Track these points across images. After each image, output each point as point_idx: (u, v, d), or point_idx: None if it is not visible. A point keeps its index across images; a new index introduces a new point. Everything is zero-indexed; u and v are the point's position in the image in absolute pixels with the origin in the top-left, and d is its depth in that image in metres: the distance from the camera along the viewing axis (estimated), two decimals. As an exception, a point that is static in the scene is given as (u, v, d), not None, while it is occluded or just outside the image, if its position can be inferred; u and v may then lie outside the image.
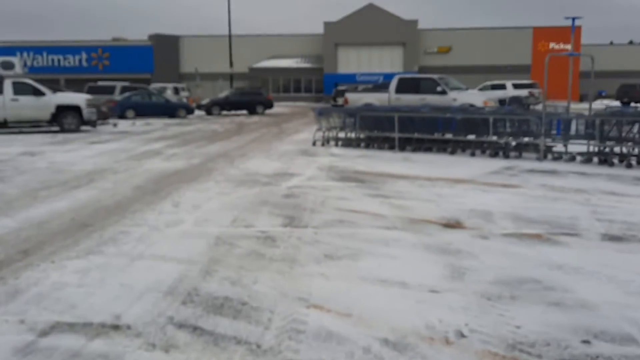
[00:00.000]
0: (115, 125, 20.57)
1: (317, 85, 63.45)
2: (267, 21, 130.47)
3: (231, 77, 44.99)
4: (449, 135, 11.72)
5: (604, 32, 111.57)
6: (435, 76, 17.33)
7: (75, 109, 17.53)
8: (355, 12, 61.59)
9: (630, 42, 68.64)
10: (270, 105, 33.12)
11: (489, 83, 32.12)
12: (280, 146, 13.40)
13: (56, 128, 17.67)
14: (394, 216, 5.99)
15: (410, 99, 17.12)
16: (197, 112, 32.08)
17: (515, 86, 32.65)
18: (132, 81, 54.05)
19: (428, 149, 11.69)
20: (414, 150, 11.69)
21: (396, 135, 11.62)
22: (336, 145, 13.00)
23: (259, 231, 5.46)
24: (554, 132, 10.39)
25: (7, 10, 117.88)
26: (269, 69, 63.65)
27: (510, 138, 10.68)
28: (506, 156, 10.46)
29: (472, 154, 10.89)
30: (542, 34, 62.41)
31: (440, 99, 16.63)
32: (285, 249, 4.88)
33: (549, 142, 10.24)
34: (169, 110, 27.83)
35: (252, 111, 32.32)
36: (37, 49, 61.46)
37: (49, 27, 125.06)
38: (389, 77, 59.48)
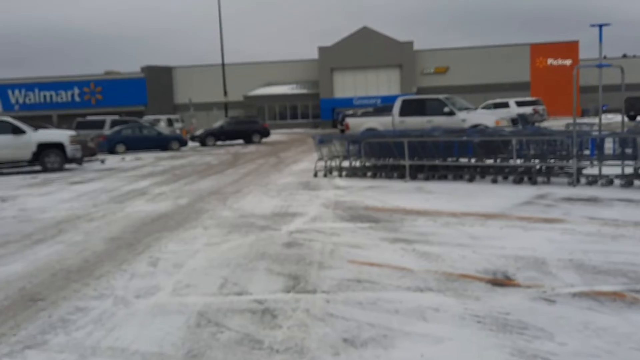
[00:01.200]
0: (102, 161, 19.43)
1: (314, 110, 62.68)
2: (261, 50, 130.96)
3: (226, 106, 44.13)
4: (463, 160, 10.58)
5: (596, 46, 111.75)
6: (441, 96, 16.29)
7: (58, 147, 16.41)
8: (349, 36, 61.18)
9: (624, 56, 68.29)
10: (266, 134, 32.11)
11: (491, 102, 31.21)
12: (279, 179, 12.22)
13: (39, 168, 16.53)
14: (424, 270, 4.78)
15: (416, 121, 16.05)
16: (191, 144, 31.03)
17: (519, 104, 31.70)
18: (127, 114, 53.36)
19: (442, 177, 10.53)
20: (427, 178, 10.52)
21: (406, 162, 10.47)
22: (340, 175, 11.83)
23: (254, 300, 4.24)
24: (585, 152, 9.24)
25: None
26: (264, 97, 62.94)
27: (537, 161, 9.51)
28: (533, 182, 9.28)
29: (494, 181, 9.72)
30: (540, 50, 62.06)
31: (448, 121, 15.56)
32: (289, 329, 3.65)
33: (583, 164, 9.08)
34: (161, 143, 26.77)
35: (248, 140, 31.28)
36: (29, 86, 60.80)
37: (40, 64, 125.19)
38: (386, 99, 59.05)
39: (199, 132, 31.56)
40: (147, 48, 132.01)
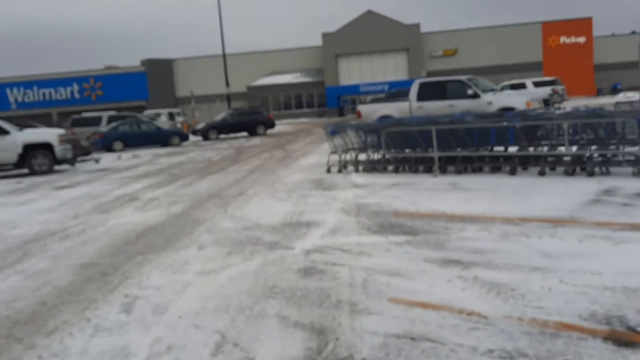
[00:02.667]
0: (97, 161, 18.08)
1: (320, 99, 61.09)
2: (264, 40, 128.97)
3: (228, 98, 42.67)
4: (498, 149, 9.13)
5: (604, 24, 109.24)
6: (463, 77, 14.77)
7: (46, 147, 15.06)
8: (354, 21, 59.35)
9: (633, 32, 65.95)
10: (271, 125, 30.66)
11: (507, 83, 29.54)
12: (288, 176, 10.82)
13: (26, 171, 15.21)
14: (503, 316, 3.37)
15: (436, 106, 14.58)
16: (193, 138, 29.70)
17: (536, 84, 30.01)
18: (128, 109, 52.06)
19: (477, 170, 9.08)
20: (459, 172, 9.07)
21: (435, 154, 9.02)
22: (357, 170, 10.41)
23: (263, 379, 2.86)
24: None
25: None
26: (267, 86, 61.40)
27: (593, 148, 8.04)
28: (590, 173, 7.81)
29: (541, 173, 8.26)
30: (552, 28, 59.93)
31: (472, 104, 14.07)
32: None
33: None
34: (160, 139, 25.42)
35: (252, 132, 29.87)
36: (27, 84, 59.54)
37: (38, 62, 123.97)
38: (394, 85, 57.33)
39: (200, 126, 30.17)
40: (147, 43, 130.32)
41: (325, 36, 59.83)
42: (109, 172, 14.76)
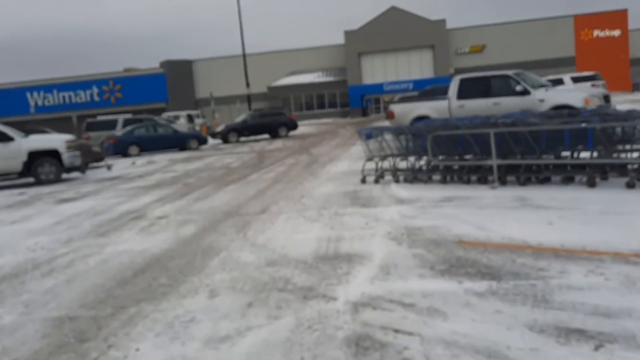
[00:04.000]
0: (109, 167, 17.00)
1: (342, 99, 59.64)
2: (285, 41, 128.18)
3: (249, 99, 41.53)
4: (571, 157, 7.63)
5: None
6: (510, 72, 13.20)
7: (53, 154, 13.96)
8: (377, 17, 57.75)
9: None
10: (294, 126, 29.40)
11: (543, 79, 27.64)
12: (317, 187, 9.45)
13: (32, 180, 14.13)
14: None
15: (479, 105, 13.05)
16: (212, 141, 28.58)
17: (575, 79, 28.11)
18: (147, 112, 51.29)
19: (544, 180, 7.58)
20: (523, 183, 7.58)
21: (494, 162, 7.54)
22: (396, 181, 8.98)
23: None
24: None
25: (16, 49, 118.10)
26: (289, 87, 60.16)
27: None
28: (696, 186, 6.27)
29: (630, 185, 6.73)
30: (585, 21, 57.47)
31: (521, 102, 12.50)
32: None
33: None
34: (178, 142, 24.33)
35: (274, 135, 28.63)
36: (47, 87, 59.33)
37: (59, 67, 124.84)
38: (419, 83, 55.66)
39: (220, 128, 29.02)
40: (167, 46, 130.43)
41: (348, 34, 58.35)
42: (119, 181, 13.59)
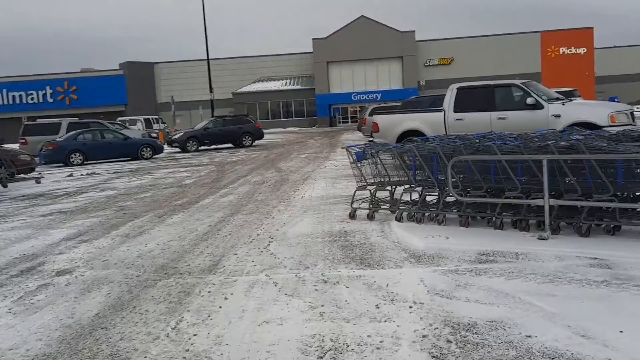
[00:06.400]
0: (38, 181, 14.22)
1: (310, 107, 57.48)
2: (255, 48, 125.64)
3: (212, 104, 38.78)
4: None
5: (604, 38, 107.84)
6: (518, 81, 11.17)
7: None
8: (346, 26, 55.98)
9: (614, 47, 63.52)
10: (260, 135, 27.00)
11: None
12: (290, 223, 7.06)
13: None
14: None
15: (481, 119, 11.01)
16: (169, 150, 25.88)
17: (555, 95, 26.48)
18: (105, 115, 47.91)
19: (614, 229, 5.39)
20: (584, 232, 5.37)
21: (546, 201, 5.31)
22: (398, 218, 6.67)
23: None
24: None
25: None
26: (255, 93, 57.59)
27: None
28: None
29: None
30: (551, 38, 57.24)
31: (533, 117, 10.51)
32: None
33: None
34: (129, 151, 21.55)
35: (238, 143, 26.16)
36: (-6, 86, 55.10)
37: (16, 66, 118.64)
38: (388, 94, 54.16)
39: (178, 135, 26.29)
40: (130, 49, 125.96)
41: (316, 42, 56.35)
42: (39, 201, 10.88)
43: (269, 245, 5.92)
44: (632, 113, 10.30)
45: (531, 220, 5.79)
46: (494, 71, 53.29)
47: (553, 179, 5.45)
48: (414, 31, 56.65)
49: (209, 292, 4.46)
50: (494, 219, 5.96)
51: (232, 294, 4.37)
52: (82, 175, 16.35)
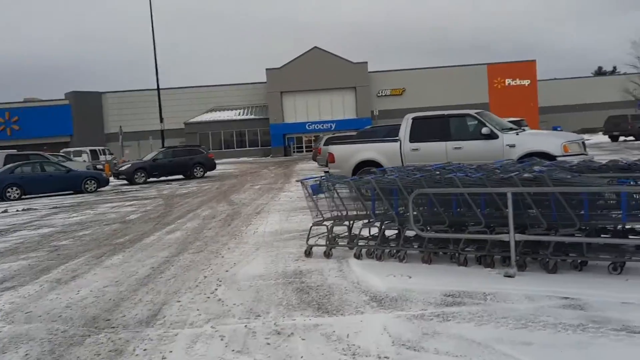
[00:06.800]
0: (-34, 218, 13.10)
1: (264, 137, 57.15)
2: (209, 79, 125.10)
3: (162, 135, 37.79)
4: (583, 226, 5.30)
5: (549, 67, 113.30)
6: (472, 111, 11.13)
7: None
8: (300, 57, 56.42)
9: (554, 79, 66.82)
10: (212, 166, 26.31)
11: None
12: (241, 263, 6.54)
13: None
14: None
15: (437, 149, 10.87)
16: (115, 182, 24.83)
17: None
18: (49, 146, 46.01)
19: (582, 264, 5.15)
20: (551, 268, 5.10)
21: (511, 236, 5.03)
22: (357, 255, 6.26)
23: None
24: None
25: None
26: (207, 123, 56.82)
27: None
28: None
29: None
30: (497, 70, 59.46)
31: (488, 147, 10.44)
32: None
33: None
34: (71, 184, 20.45)
35: (188, 175, 25.37)
36: None
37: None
38: (342, 124, 54.49)
39: (125, 167, 25.27)
40: (79, 79, 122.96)
41: (270, 72, 56.40)
42: (-35, 242, 9.91)
43: (216, 289, 5.39)
44: (583, 143, 10.38)
45: (496, 255, 5.51)
46: (444, 101, 54.70)
47: (517, 212, 5.20)
48: (366, 62, 57.62)
49: (144, 350, 3.89)
50: (457, 254, 5.64)
51: (171, 351, 3.82)
52: (17, 211, 15.27)
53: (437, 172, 6.03)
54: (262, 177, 23.34)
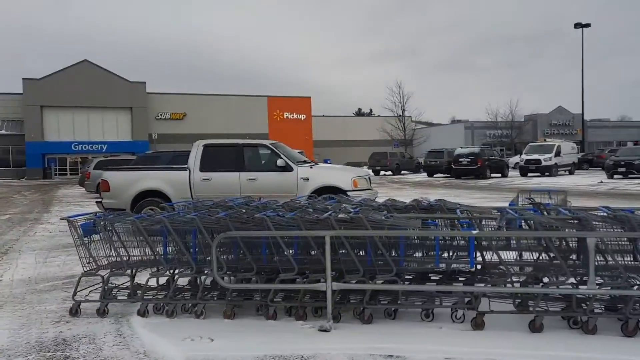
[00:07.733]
0: None
1: (18, 156, 49.62)
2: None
3: None
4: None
5: (321, 104, 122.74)
6: (267, 142, 10.67)
7: None
8: (66, 69, 50.84)
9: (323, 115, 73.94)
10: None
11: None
12: (-27, 331, 4.76)
13: None
14: None
15: (230, 179, 10.15)
16: None
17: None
18: None
19: (394, 312, 4.84)
20: (367, 317, 4.69)
21: (328, 287, 4.46)
22: (142, 313, 5.04)
23: None
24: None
25: None
26: (-59, 137, 47.11)
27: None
28: (632, 329, 4.33)
29: (536, 328, 4.45)
30: (277, 103, 62.07)
31: (283, 179, 10.10)
32: None
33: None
34: None
35: None
36: None
37: None
38: (115, 146, 50.55)
39: None
40: None
41: (28, 83, 49.51)
42: None
43: None
44: (369, 178, 10.73)
45: (306, 306, 4.90)
46: (226, 129, 54.87)
47: (333, 257, 4.69)
48: (144, 82, 54.66)
49: None
50: (264, 306, 4.88)
51: None
52: None
53: (243, 210, 5.24)
54: (13, 204, 19.66)
